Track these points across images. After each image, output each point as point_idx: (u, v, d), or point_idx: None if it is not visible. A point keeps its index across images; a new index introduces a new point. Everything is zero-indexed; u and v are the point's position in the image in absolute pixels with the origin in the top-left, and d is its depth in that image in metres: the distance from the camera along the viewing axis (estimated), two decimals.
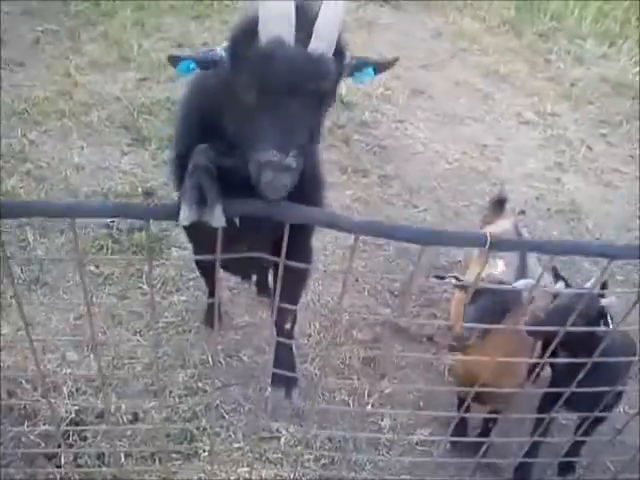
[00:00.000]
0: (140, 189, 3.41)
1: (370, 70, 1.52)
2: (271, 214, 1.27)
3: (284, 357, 2.57)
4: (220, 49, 1.42)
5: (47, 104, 3.92)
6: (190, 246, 3.06)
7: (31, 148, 3.59)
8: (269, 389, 2.56)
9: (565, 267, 3.44)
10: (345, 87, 4.48)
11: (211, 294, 2.74)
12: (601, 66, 5.44)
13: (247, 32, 1.38)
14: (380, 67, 1.54)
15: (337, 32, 1.38)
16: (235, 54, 1.40)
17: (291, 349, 2.62)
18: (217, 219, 1.23)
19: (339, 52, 1.42)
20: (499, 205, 2.92)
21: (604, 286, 2.08)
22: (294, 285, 2.19)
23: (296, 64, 1.32)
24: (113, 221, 3.16)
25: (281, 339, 2.40)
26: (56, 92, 4.03)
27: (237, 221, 1.33)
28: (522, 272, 2.33)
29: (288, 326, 2.47)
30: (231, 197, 1.27)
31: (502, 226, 2.75)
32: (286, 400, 2.52)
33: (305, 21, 1.35)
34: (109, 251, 3.04)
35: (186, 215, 1.22)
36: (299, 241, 1.89)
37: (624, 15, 6.09)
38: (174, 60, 1.42)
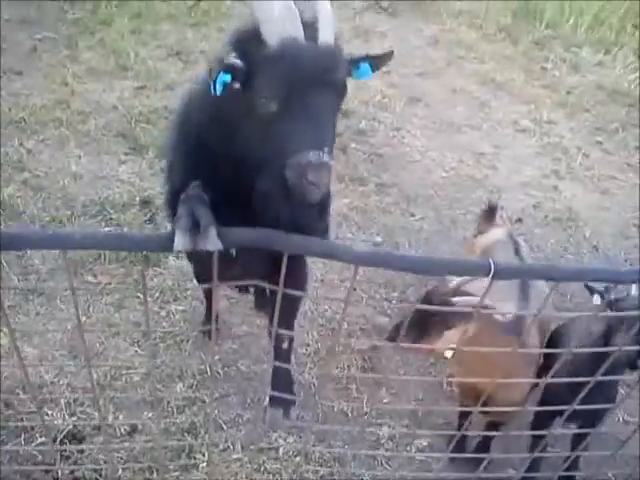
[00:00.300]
0: (138, 198, 3.41)
1: (367, 65, 1.53)
2: (268, 245, 1.23)
3: (282, 377, 2.54)
4: (232, 59, 1.38)
5: (44, 112, 3.92)
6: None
7: (28, 157, 3.59)
8: (267, 399, 2.56)
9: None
10: None
11: (208, 303, 2.74)
12: (597, 74, 5.47)
13: (250, 39, 1.36)
14: (375, 62, 1.56)
15: (332, 21, 1.38)
16: (247, 62, 1.37)
17: (289, 369, 2.60)
18: (212, 242, 1.20)
19: (338, 45, 1.43)
20: (490, 214, 2.91)
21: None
22: (290, 304, 2.18)
23: (319, 57, 1.32)
24: (110, 230, 3.16)
25: (278, 363, 2.38)
26: (53, 100, 4.03)
27: (233, 251, 1.32)
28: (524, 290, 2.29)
29: (285, 346, 2.46)
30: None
31: (496, 235, 2.72)
32: (284, 418, 2.51)
33: (303, 19, 1.35)
34: (106, 260, 3.03)
35: (180, 242, 1.19)
36: (295, 259, 1.88)
37: (619, 23, 6.12)
38: (213, 82, 1.36)
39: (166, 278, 3.01)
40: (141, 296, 2.91)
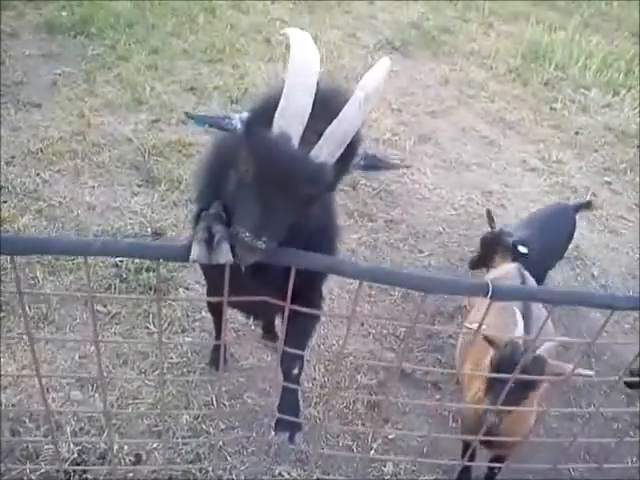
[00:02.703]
0: (149, 229, 3.46)
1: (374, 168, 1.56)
2: (274, 261, 1.31)
3: (289, 401, 2.54)
4: (237, 118, 1.45)
5: (61, 144, 4.00)
6: (199, 287, 3.11)
7: (44, 187, 3.65)
8: (272, 433, 2.55)
9: (570, 313, 3.46)
10: None
11: (217, 335, 2.75)
12: (605, 115, 5.53)
13: (265, 114, 1.39)
14: (389, 168, 1.59)
15: (349, 136, 1.38)
16: (249, 130, 1.44)
17: (296, 394, 2.60)
18: (223, 255, 1.30)
19: (349, 154, 1.43)
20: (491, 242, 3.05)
21: None
22: (302, 329, 2.20)
23: (288, 168, 1.34)
24: (122, 260, 3.20)
25: (287, 384, 2.39)
26: (70, 132, 4.12)
27: (243, 267, 1.36)
28: (527, 317, 2.32)
29: (296, 371, 2.45)
30: None
31: (506, 269, 2.80)
32: (289, 444, 2.50)
33: (322, 119, 1.35)
34: (117, 290, 3.07)
35: (196, 253, 1.29)
36: (309, 286, 1.91)
37: (627, 66, 6.20)
38: (190, 116, 1.47)
39: (175, 309, 3.04)
40: (150, 326, 2.94)
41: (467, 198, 4.26)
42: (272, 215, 1.38)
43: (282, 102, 1.35)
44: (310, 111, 1.35)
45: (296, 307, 1.33)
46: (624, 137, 5.25)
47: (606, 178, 4.74)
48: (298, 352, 2.15)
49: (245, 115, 1.46)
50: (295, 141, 1.35)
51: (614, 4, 7.88)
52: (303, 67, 1.38)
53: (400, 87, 5.32)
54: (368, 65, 5.63)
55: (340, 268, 1.27)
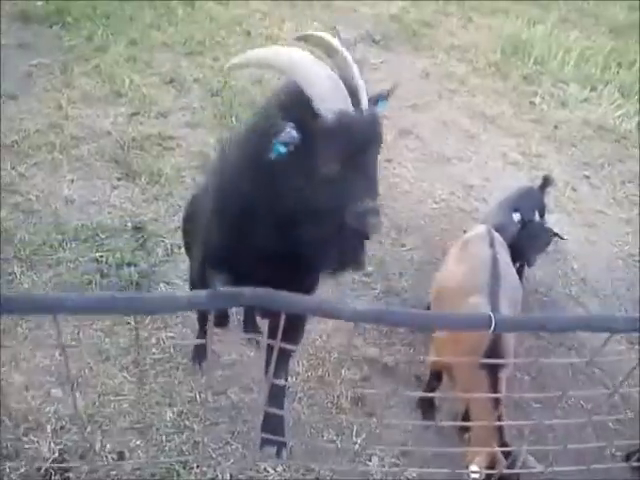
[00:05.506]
0: (130, 224, 3.41)
1: (384, 102, 1.78)
2: (269, 305, 1.12)
3: (275, 416, 2.49)
4: (289, 130, 1.54)
5: (38, 137, 3.93)
6: (179, 282, 3.08)
7: (21, 180, 3.58)
8: (257, 428, 2.54)
9: (548, 305, 3.48)
10: None
11: (200, 330, 2.73)
12: (583, 109, 5.57)
13: (302, 109, 1.54)
14: (386, 95, 1.79)
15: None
16: (302, 132, 1.55)
17: (282, 408, 2.56)
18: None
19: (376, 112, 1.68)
20: None
21: None
22: (292, 338, 2.17)
23: (368, 127, 1.56)
24: (102, 255, 3.16)
25: (272, 409, 2.36)
26: (47, 125, 4.04)
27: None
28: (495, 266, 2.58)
29: (282, 382, 2.42)
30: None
31: (476, 231, 2.95)
32: (277, 458, 2.47)
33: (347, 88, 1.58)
34: (97, 286, 3.02)
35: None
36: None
37: (604, 61, 6.25)
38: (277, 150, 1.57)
39: None
40: (131, 322, 2.90)
41: (448, 192, 4.27)
42: (372, 176, 1.58)
43: (317, 90, 1.51)
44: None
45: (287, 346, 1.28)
46: (602, 131, 5.29)
47: (585, 172, 4.78)
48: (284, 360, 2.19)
49: (290, 124, 1.55)
50: (352, 112, 1.53)
51: (591, 2, 7.95)
52: (309, 58, 1.58)
53: (381, 81, 5.30)
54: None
55: (336, 313, 1.13)
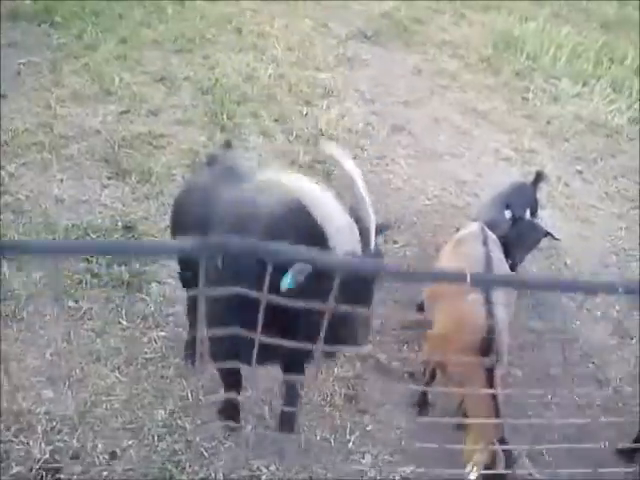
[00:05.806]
0: (120, 223, 3.39)
1: None
2: (254, 253, 1.18)
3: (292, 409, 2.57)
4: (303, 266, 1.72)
5: (27, 136, 3.90)
6: (172, 280, 3.06)
7: (10, 180, 3.55)
8: (249, 427, 2.52)
9: (541, 302, 3.48)
10: (325, 121, 4.53)
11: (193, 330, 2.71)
12: (575, 105, 5.57)
13: (316, 241, 1.71)
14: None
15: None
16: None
17: (298, 401, 2.60)
18: None
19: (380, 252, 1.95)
20: None
21: None
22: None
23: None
24: (92, 255, 3.13)
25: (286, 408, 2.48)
26: (36, 124, 4.01)
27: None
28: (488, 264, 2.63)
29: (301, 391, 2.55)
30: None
31: (469, 229, 2.98)
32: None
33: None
34: (88, 285, 3.00)
35: None
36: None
37: (596, 56, 6.26)
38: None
39: (148, 304, 2.98)
40: (122, 322, 2.88)
41: (441, 188, 4.25)
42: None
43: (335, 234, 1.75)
44: None
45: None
46: (594, 127, 5.29)
47: (577, 167, 4.78)
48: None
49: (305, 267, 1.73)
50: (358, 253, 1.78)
51: None
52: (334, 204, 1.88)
53: (373, 77, 5.29)
54: (339, 55, 5.60)
55: None
